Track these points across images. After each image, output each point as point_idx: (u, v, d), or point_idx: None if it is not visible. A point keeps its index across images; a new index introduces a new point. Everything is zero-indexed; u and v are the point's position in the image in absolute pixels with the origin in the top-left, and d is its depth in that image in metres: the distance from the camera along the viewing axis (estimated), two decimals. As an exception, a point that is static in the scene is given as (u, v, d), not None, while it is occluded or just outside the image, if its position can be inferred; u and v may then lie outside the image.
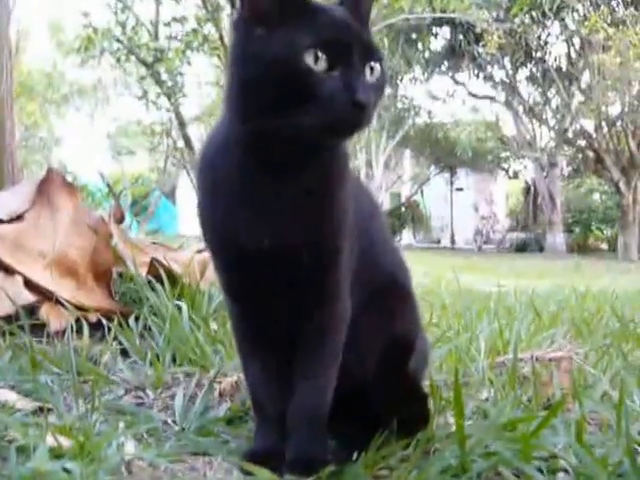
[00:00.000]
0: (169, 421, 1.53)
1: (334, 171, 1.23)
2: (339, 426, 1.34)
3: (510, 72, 22.62)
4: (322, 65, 1.07)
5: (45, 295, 2.25)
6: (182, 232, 22.75)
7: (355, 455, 1.29)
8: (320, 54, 1.07)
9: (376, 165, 24.19)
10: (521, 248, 24.24)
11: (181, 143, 19.62)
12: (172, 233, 21.49)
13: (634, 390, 1.62)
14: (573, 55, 21.36)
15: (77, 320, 2.17)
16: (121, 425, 1.39)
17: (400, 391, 1.37)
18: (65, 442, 1.18)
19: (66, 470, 1.07)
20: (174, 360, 2.03)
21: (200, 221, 1.28)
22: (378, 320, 1.36)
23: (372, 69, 1.13)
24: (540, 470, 1.17)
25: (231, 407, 1.61)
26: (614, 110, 20.40)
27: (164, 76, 17.72)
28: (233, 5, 13.58)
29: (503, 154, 27.49)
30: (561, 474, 1.20)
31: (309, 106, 1.07)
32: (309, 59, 1.07)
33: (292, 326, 1.26)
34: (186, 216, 25.35)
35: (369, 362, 1.33)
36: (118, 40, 17.33)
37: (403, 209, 26.93)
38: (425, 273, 6.80)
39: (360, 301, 1.32)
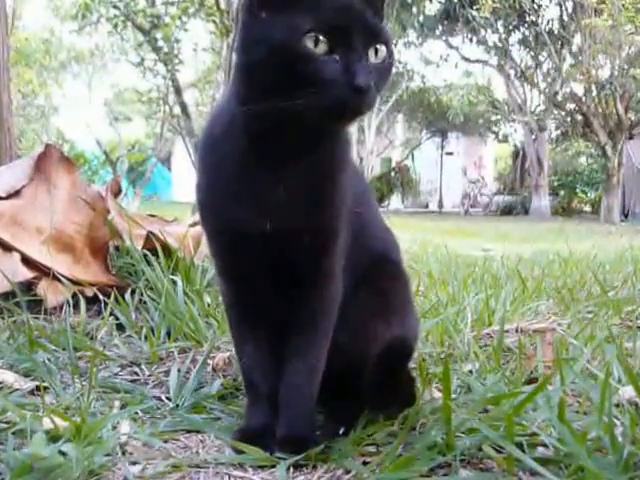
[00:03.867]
0: (163, 398, 1.56)
1: (335, 157, 1.24)
2: (328, 401, 1.38)
3: (503, 36, 22.46)
4: (322, 48, 1.08)
5: (42, 271, 2.26)
6: (177, 198, 22.80)
7: (342, 430, 1.33)
8: (321, 37, 1.07)
9: (368, 130, 24.03)
10: (507, 211, 24.30)
11: (177, 110, 19.54)
12: (167, 199, 21.52)
13: (614, 362, 1.65)
14: (565, 18, 21.21)
15: (74, 295, 2.19)
16: (116, 404, 1.43)
17: (392, 387, 1.42)
18: (61, 424, 1.21)
19: (62, 453, 1.10)
20: (169, 334, 2.06)
21: (199, 203, 1.29)
22: (370, 300, 1.38)
23: (376, 51, 1.13)
24: (520, 444, 1.21)
25: (224, 383, 1.65)
26: (604, 74, 20.31)
27: (161, 42, 17.59)
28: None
29: (494, 118, 27.38)
30: (541, 449, 1.24)
31: (309, 89, 1.07)
32: (309, 42, 1.07)
33: (285, 307, 1.29)
34: (181, 182, 25.35)
35: (360, 341, 1.36)
36: (115, 6, 17.09)
37: (393, 174, 26.82)
38: (412, 239, 6.83)
39: (352, 280, 1.34)
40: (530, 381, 1.65)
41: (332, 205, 1.25)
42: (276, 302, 1.29)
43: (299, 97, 1.07)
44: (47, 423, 1.21)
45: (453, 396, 1.50)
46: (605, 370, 1.29)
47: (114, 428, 1.29)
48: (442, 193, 27.95)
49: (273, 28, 1.09)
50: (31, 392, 1.51)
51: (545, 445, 1.22)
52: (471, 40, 23.42)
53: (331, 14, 1.09)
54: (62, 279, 2.24)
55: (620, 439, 1.16)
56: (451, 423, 1.24)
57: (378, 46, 1.13)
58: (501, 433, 1.21)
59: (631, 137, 20.49)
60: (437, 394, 1.56)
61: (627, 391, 1.44)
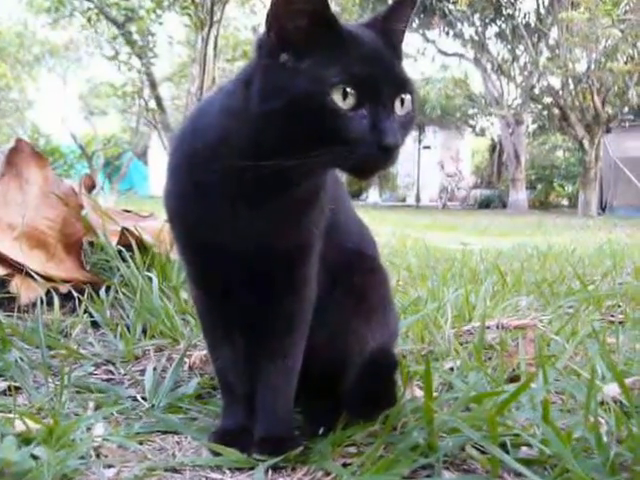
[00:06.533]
0: (139, 397, 1.53)
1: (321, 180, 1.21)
2: (307, 402, 1.36)
3: (480, 29, 22.57)
4: (350, 102, 1.01)
5: (15, 268, 2.21)
6: (153, 193, 22.76)
7: (322, 431, 1.30)
8: (349, 90, 1.00)
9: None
10: (485, 205, 24.49)
11: (153, 103, 19.49)
12: (144, 194, 21.51)
13: (597, 359, 1.64)
14: (542, 11, 21.36)
15: (47, 292, 2.15)
16: (90, 404, 1.39)
17: (376, 397, 1.40)
18: (33, 426, 1.17)
19: (34, 457, 1.06)
20: (144, 332, 2.02)
21: (169, 211, 1.24)
22: (347, 297, 1.35)
23: (402, 101, 1.07)
24: (504, 445, 1.19)
25: (200, 382, 1.62)
26: (581, 67, 20.45)
27: (135, 36, 17.54)
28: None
29: (471, 111, 27.50)
30: (525, 449, 1.22)
31: (332, 146, 1.01)
32: (337, 96, 1.00)
33: (259, 310, 1.26)
34: (157, 177, 25.29)
35: (339, 339, 1.33)
36: (88, -1, 17.06)
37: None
38: (391, 233, 6.83)
39: (328, 277, 1.31)
40: (512, 379, 1.64)
41: (313, 224, 1.22)
42: (250, 305, 1.26)
43: (321, 153, 1.01)
44: (19, 425, 1.17)
45: (434, 394, 1.48)
46: (590, 368, 1.27)
47: (88, 430, 1.26)
48: (419, 187, 28.02)
49: (296, 77, 1.01)
50: (2, 392, 1.47)
51: (529, 445, 1.20)
52: (448, 33, 23.54)
53: (360, 63, 1.03)
54: (35, 276, 2.20)
55: (605, 439, 1.14)
56: (433, 424, 1.22)
57: (404, 96, 1.07)
58: (484, 433, 1.19)
59: (608, 130, 20.72)
60: (418, 392, 1.53)
61: (611, 389, 1.43)
